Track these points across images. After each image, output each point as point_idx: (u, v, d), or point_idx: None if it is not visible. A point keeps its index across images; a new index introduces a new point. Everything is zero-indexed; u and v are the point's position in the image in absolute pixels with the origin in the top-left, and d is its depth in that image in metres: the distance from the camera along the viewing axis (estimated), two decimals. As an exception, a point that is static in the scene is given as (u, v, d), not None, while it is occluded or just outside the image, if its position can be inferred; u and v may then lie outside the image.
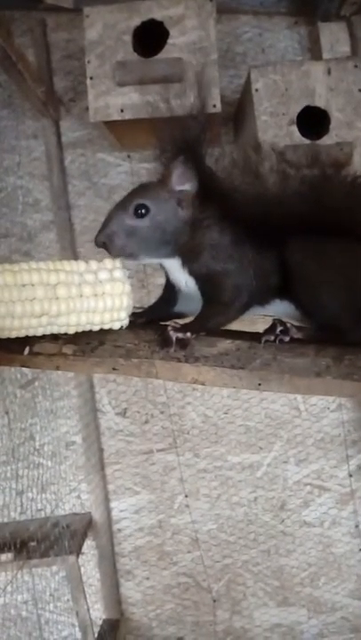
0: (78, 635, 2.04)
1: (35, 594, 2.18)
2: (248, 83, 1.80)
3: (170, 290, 1.01)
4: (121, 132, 1.90)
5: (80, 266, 0.92)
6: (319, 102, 1.75)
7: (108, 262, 0.93)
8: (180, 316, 1.01)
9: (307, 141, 1.72)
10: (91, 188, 2.19)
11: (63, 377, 2.20)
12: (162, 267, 1.00)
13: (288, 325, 0.93)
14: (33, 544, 2.01)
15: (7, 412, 2.21)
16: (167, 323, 0.95)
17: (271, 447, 2.17)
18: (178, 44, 1.76)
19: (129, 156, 2.18)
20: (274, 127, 1.75)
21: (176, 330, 0.91)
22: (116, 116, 1.79)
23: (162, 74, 1.75)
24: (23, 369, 2.20)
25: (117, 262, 0.94)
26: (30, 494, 2.19)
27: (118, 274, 0.92)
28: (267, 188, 0.95)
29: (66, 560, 1.96)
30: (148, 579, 2.20)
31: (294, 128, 1.74)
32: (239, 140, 2.05)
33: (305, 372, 0.90)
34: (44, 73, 2.17)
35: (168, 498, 2.18)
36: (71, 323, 0.89)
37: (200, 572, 2.18)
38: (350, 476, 2.14)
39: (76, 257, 2.12)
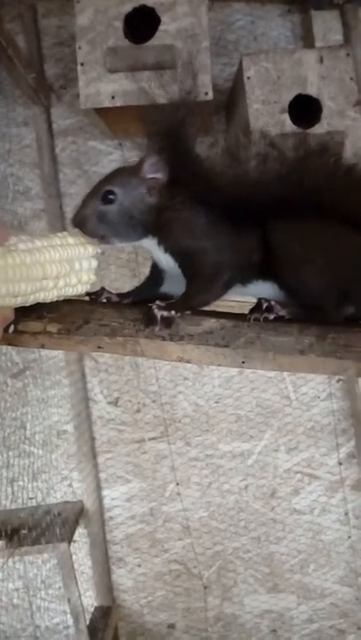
0: (70, 621, 2.05)
1: (26, 581, 2.19)
2: (240, 70, 1.79)
3: (156, 271, 1.03)
4: (112, 119, 1.89)
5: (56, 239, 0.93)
6: (311, 90, 1.74)
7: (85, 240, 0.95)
8: (167, 296, 1.02)
9: (298, 130, 1.72)
10: (82, 177, 2.18)
11: (54, 366, 2.20)
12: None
13: (272, 303, 0.94)
14: (24, 532, 2.02)
15: (-1, 402, 2.21)
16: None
17: (262, 436, 2.18)
18: (169, 30, 1.75)
19: (120, 144, 2.17)
20: (265, 115, 1.74)
21: (161, 308, 0.92)
22: (107, 103, 1.77)
23: (153, 60, 1.73)
24: (14, 357, 2.20)
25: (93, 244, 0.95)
26: (22, 482, 2.19)
27: (91, 248, 0.93)
28: (247, 170, 0.96)
29: (57, 547, 1.97)
30: (139, 566, 2.21)
31: (286, 116, 1.73)
32: (231, 128, 2.04)
33: (288, 350, 0.91)
34: (34, 59, 2.15)
35: (160, 486, 2.19)
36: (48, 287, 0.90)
37: (191, 560, 2.20)
38: (340, 464, 2.16)
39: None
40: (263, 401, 2.18)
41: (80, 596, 1.99)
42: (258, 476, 2.18)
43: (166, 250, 0.98)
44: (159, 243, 0.98)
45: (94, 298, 0.99)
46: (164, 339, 0.92)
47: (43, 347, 0.92)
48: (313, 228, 0.96)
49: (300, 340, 0.92)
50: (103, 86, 1.80)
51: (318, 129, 1.72)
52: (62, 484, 2.21)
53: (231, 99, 2.01)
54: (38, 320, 0.92)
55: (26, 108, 2.16)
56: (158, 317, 0.92)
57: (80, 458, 2.19)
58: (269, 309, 0.94)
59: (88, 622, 2.05)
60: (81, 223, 0.94)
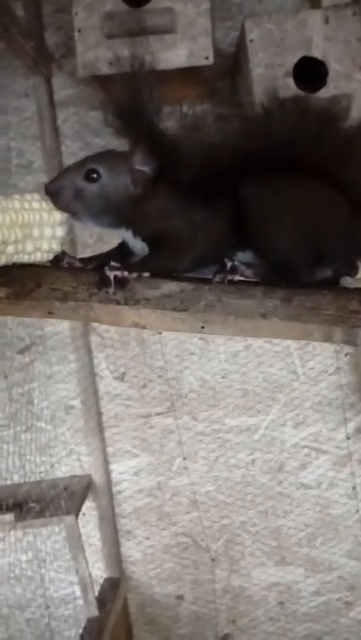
0: (79, 592, 2.09)
1: (37, 554, 2.23)
2: (242, 33, 1.72)
3: (125, 245, 1.00)
4: (110, 88, 1.84)
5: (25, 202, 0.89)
6: (316, 53, 1.67)
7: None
8: None
9: (303, 94, 1.65)
10: (84, 149, 2.13)
11: (60, 342, 2.19)
12: None
13: (236, 263, 0.90)
14: (33, 505, 2.05)
15: (6, 377, 2.22)
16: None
17: (269, 410, 2.16)
18: (168, -8, 1.69)
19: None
20: (269, 79, 1.68)
21: (113, 268, 0.89)
22: (105, 70, 1.72)
23: (152, 24, 1.68)
24: (20, 333, 2.20)
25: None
26: (30, 457, 2.21)
27: (57, 216, 0.90)
28: (217, 133, 0.93)
29: (65, 520, 1.99)
30: (147, 538, 2.23)
31: (290, 80, 1.67)
32: (235, 94, 1.98)
33: (250, 313, 0.87)
34: (33, 28, 2.09)
35: (167, 460, 2.20)
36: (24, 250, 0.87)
37: (199, 533, 2.21)
38: (348, 438, 2.13)
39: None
40: (270, 375, 2.16)
41: (88, 567, 2.02)
42: (265, 450, 2.17)
43: (144, 239, 0.95)
44: (135, 233, 0.95)
45: (55, 263, 0.95)
46: (118, 302, 0.87)
47: None
48: (283, 182, 0.91)
49: (263, 303, 0.87)
50: (101, 53, 1.74)
51: (324, 93, 1.65)
52: (70, 459, 2.22)
53: (234, 63, 1.94)
54: (-15, 284, 0.87)
55: (26, 78, 2.11)
56: (111, 278, 0.88)
57: (87, 433, 2.20)
58: (233, 270, 0.90)
59: (97, 593, 2.08)
60: (55, 193, 0.91)
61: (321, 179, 0.92)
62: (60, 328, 2.18)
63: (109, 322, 0.91)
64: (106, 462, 2.22)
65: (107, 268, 0.89)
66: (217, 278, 0.90)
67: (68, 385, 2.20)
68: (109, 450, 2.21)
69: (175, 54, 1.75)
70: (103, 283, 0.88)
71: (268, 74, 1.68)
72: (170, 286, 0.89)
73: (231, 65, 2.00)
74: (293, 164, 0.91)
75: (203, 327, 0.88)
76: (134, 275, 0.89)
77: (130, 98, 0.90)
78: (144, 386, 2.18)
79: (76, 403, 2.20)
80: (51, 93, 2.13)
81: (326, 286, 0.92)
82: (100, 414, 2.20)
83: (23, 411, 2.20)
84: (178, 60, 1.74)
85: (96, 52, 1.75)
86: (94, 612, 2.01)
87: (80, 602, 2.08)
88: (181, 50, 1.74)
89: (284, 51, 1.67)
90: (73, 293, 0.88)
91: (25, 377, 2.19)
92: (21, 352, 2.22)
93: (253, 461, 2.18)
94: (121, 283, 0.88)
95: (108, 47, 1.74)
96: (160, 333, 2.15)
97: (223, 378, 2.17)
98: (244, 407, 2.17)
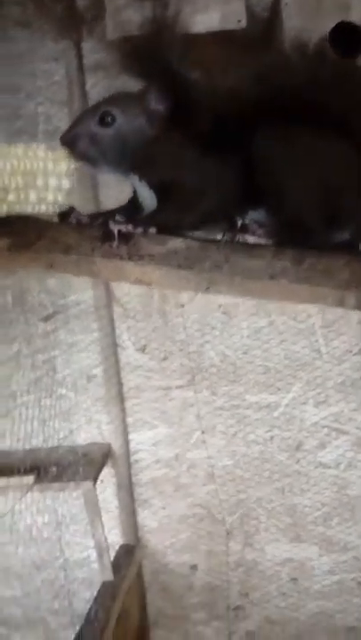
0: (95, 556, 2.13)
1: (56, 517, 2.28)
2: (277, -4, 1.65)
3: (137, 201, 0.96)
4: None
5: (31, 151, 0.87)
6: (355, 18, 1.59)
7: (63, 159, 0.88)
8: None
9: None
10: (112, 116, 2.09)
11: (84, 311, 2.20)
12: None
13: (248, 222, 0.86)
14: (53, 469, 2.09)
15: (29, 344, 2.24)
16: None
17: (290, 388, 2.14)
18: None
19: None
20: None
21: (118, 222, 0.85)
22: (136, 32, 1.67)
23: (183, -14, 1.61)
24: (44, 301, 2.21)
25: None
26: (52, 423, 2.25)
27: (64, 165, 0.87)
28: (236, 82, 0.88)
29: (84, 485, 2.03)
30: (164, 508, 2.26)
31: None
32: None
33: (258, 274, 0.82)
34: (63, -11, 2.04)
35: (185, 433, 2.20)
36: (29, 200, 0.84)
37: (215, 505, 2.22)
38: (370, 420, 2.10)
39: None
40: (292, 353, 2.13)
41: (104, 532, 2.06)
42: (284, 428, 2.15)
43: (150, 185, 0.91)
44: (141, 178, 0.92)
45: (62, 218, 0.92)
46: (121, 258, 0.84)
47: None
48: (299, 135, 0.86)
49: (272, 264, 0.82)
50: (131, 14, 1.70)
51: None
52: (90, 426, 2.25)
53: (268, 28, 1.86)
54: (-13, 235, 0.85)
55: (55, 42, 2.07)
56: (115, 232, 0.85)
57: (108, 402, 2.22)
58: (244, 229, 0.86)
59: (113, 559, 2.13)
60: (71, 142, 0.88)
61: (338, 133, 0.86)
62: (83, 297, 2.18)
63: (112, 277, 0.89)
64: (125, 432, 2.24)
65: (111, 221, 0.86)
66: (226, 237, 0.86)
67: (90, 354, 2.21)
68: (129, 420, 2.23)
69: (207, 17, 1.69)
70: (107, 237, 0.85)
71: (303, 39, 1.60)
72: (176, 243, 0.85)
73: (265, 29, 1.92)
74: (310, 117, 0.85)
75: (208, 287, 0.84)
76: (139, 229, 0.86)
77: (148, 38, 0.86)
78: (165, 358, 2.17)
79: (98, 372, 2.21)
80: (80, 57, 2.09)
81: (341, 249, 0.87)
82: (120, 384, 2.22)
83: (45, 377, 2.23)
84: (210, 23, 1.68)
85: (126, 13, 1.71)
86: (109, 576, 2.05)
87: (96, 566, 2.13)
88: (214, 13, 1.68)
89: (319, 15, 1.59)
90: (75, 247, 0.85)
91: (48, 344, 2.21)
92: (45, 320, 2.24)
93: (272, 438, 2.17)
94: (125, 237, 0.85)
95: (138, 9, 1.69)
96: (182, 306, 2.14)
97: (245, 354, 2.15)
98: (264, 384, 2.15)
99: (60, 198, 0.88)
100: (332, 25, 1.59)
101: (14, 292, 2.19)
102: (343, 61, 0.86)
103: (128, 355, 2.20)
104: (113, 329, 2.20)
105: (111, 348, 2.21)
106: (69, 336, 2.21)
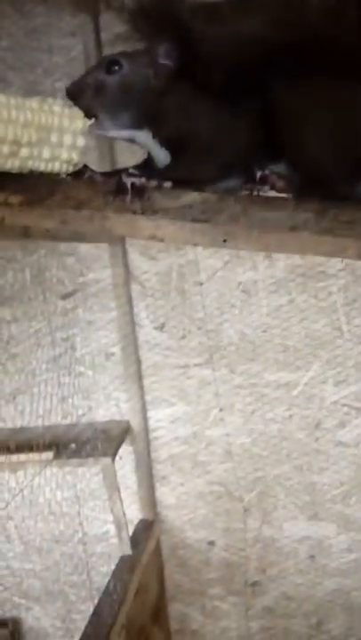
0: (114, 531, 2.16)
1: (75, 492, 2.31)
2: None
3: (150, 162, 0.95)
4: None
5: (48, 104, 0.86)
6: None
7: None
8: None
9: None
10: (130, 91, 2.07)
11: (102, 290, 2.20)
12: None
13: (267, 172, 0.84)
14: (72, 446, 2.11)
15: (49, 322, 2.26)
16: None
17: (309, 367, 2.12)
18: None
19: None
20: None
21: (131, 175, 0.84)
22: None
23: None
24: (63, 279, 2.22)
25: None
26: (71, 400, 2.27)
27: (80, 123, 0.86)
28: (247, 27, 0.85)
29: (102, 461, 2.05)
30: (182, 485, 2.28)
31: None
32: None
33: (278, 226, 0.79)
34: None
35: (203, 411, 2.21)
36: (43, 156, 0.83)
37: (232, 483, 2.23)
38: (390, 399, 2.08)
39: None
40: (313, 332, 2.11)
41: (123, 508, 2.08)
42: (303, 406, 2.15)
43: (162, 142, 0.90)
44: (154, 135, 0.90)
45: (75, 177, 0.91)
46: (135, 212, 0.82)
47: (3, 220, 0.86)
48: (318, 83, 0.83)
49: (293, 216, 0.80)
50: (149, -14, 1.66)
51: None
52: (109, 404, 2.27)
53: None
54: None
55: (72, 16, 2.05)
56: (128, 185, 0.83)
57: (126, 379, 2.23)
58: (264, 180, 0.84)
59: (131, 533, 2.16)
60: (76, 93, 0.88)
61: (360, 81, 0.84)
62: (102, 275, 2.18)
63: (125, 233, 0.88)
64: (144, 409, 2.26)
65: (124, 174, 0.85)
66: (245, 190, 0.84)
67: (108, 332, 2.22)
68: (147, 398, 2.24)
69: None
70: (120, 190, 0.84)
71: None
72: (192, 196, 0.83)
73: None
74: (330, 63, 0.83)
75: (225, 241, 0.82)
76: (154, 183, 0.84)
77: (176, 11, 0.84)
78: (183, 337, 2.17)
79: (116, 350, 2.22)
80: (98, 32, 2.06)
81: None
82: (139, 362, 2.22)
83: (64, 355, 2.24)
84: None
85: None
86: (128, 550, 2.08)
87: (114, 540, 2.16)
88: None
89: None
90: (88, 202, 0.84)
91: (66, 323, 2.22)
92: (64, 298, 2.25)
93: (291, 417, 2.16)
94: (139, 191, 0.83)
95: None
96: (201, 284, 2.13)
97: (264, 332, 2.13)
98: (283, 363, 2.14)
99: (74, 157, 0.86)
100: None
101: (32, 270, 2.20)
102: None
103: (146, 333, 2.20)
104: (131, 307, 2.20)
105: (129, 327, 2.21)
106: (88, 314, 2.22)
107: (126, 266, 2.16)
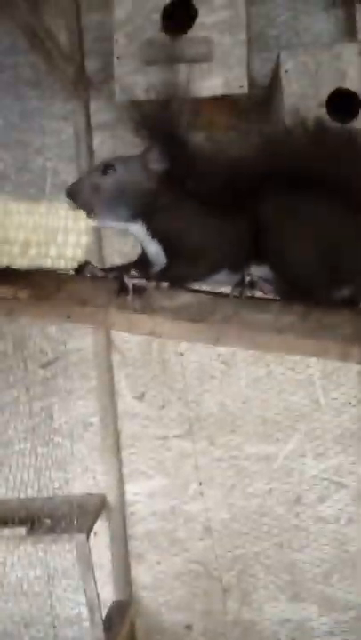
0: (87, 614, 2.05)
1: (47, 570, 2.21)
2: (278, 64, 1.76)
3: (145, 257, 1.02)
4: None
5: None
6: (350, 85, 1.69)
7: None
8: None
9: (336, 125, 1.67)
10: (118, 171, 2.18)
11: (82, 358, 2.21)
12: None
13: (255, 278, 0.91)
14: (47, 521, 2.04)
15: (28, 390, 2.24)
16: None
17: (288, 439, 2.13)
18: (206, 22, 1.74)
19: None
20: (302, 109, 1.69)
21: (133, 277, 0.91)
22: (142, 96, 1.77)
23: (189, 53, 1.72)
24: (44, 347, 2.23)
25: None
26: (47, 472, 2.22)
27: (83, 223, 0.92)
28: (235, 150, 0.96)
29: (77, 538, 1.98)
30: (159, 563, 2.20)
31: (323, 111, 1.69)
32: (267, 123, 2.01)
33: (266, 328, 0.87)
34: (75, 54, 2.17)
35: (182, 484, 2.17)
36: (49, 254, 0.89)
37: (211, 561, 2.17)
38: (369, 473, 2.08)
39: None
40: (291, 404, 2.13)
41: (97, 588, 1.99)
42: (283, 480, 2.13)
43: (154, 235, 0.97)
44: (147, 229, 0.98)
45: (78, 271, 0.98)
46: (135, 310, 0.89)
47: (10, 312, 0.91)
48: (301, 200, 0.93)
49: (280, 319, 0.88)
50: (139, 79, 1.80)
51: (356, 124, 1.66)
52: (85, 476, 2.22)
53: (269, 93, 1.97)
54: (9, 286, 0.90)
55: (65, 102, 2.18)
56: (130, 286, 0.90)
57: (104, 451, 2.20)
58: (252, 285, 0.92)
59: (105, 616, 2.05)
60: (74, 193, 0.95)
61: (339, 198, 0.93)
62: (83, 344, 2.20)
63: (126, 329, 0.93)
64: (121, 482, 2.21)
65: (126, 276, 0.91)
66: (235, 292, 0.92)
67: (87, 402, 2.21)
68: (125, 470, 2.20)
69: (210, 82, 1.79)
70: (122, 290, 0.91)
71: (302, 104, 1.70)
72: (187, 297, 0.91)
73: (266, 95, 2.03)
74: (312, 183, 0.93)
75: (218, 339, 0.89)
76: (153, 283, 0.91)
77: (158, 104, 0.94)
78: (163, 406, 2.17)
79: (95, 420, 2.20)
80: (88, 116, 2.20)
81: (344, 306, 0.92)
82: (117, 433, 2.20)
83: (42, 425, 2.21)
84: (213, 88, 1.78)
85: (134, 77, 1.81)
86: (100, 635, 1.97)
87: (87, 623, 2.05)
88: (217, 78, 1.78)
89: (318, 82, 1.69)
90: (92, 299, 0.91)
91: (46, 391, 2.21)
92: (44, 366, 2.24)
93: (270, 491, 2.14)
94: (139, 291, 0.90)
95: (146, 74, 1.79)
96: (182, 354, 2.15)
97: (243, 403, 2.15)
98: (263, 435, 2.14)
99: (78, 254, 0.93)
100: (330, 91, 1.69)
101: (15, 338, 2.20)
102: (341, 130, 0.94)
103: (126, 402, 2.20)
104: (112, 376, 2.21)
105: (109, 396, 2.21)
106: (68, 383, 2.21)
107: (108, 335, 2.18)
